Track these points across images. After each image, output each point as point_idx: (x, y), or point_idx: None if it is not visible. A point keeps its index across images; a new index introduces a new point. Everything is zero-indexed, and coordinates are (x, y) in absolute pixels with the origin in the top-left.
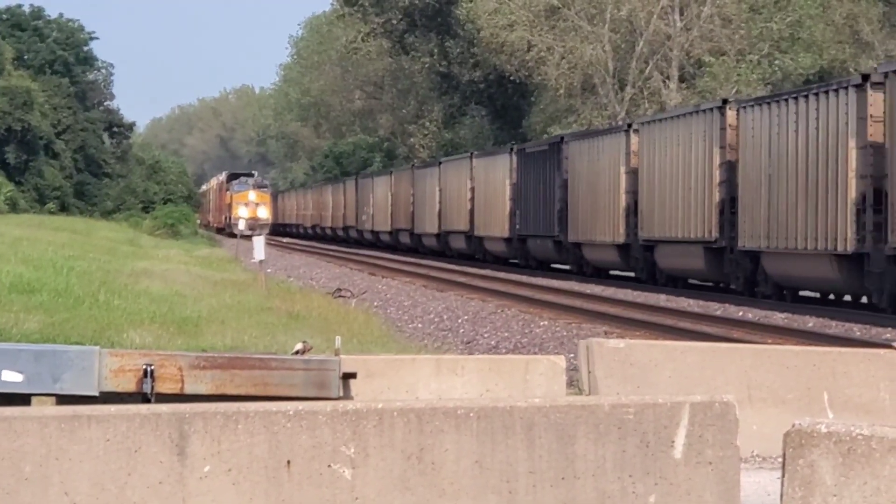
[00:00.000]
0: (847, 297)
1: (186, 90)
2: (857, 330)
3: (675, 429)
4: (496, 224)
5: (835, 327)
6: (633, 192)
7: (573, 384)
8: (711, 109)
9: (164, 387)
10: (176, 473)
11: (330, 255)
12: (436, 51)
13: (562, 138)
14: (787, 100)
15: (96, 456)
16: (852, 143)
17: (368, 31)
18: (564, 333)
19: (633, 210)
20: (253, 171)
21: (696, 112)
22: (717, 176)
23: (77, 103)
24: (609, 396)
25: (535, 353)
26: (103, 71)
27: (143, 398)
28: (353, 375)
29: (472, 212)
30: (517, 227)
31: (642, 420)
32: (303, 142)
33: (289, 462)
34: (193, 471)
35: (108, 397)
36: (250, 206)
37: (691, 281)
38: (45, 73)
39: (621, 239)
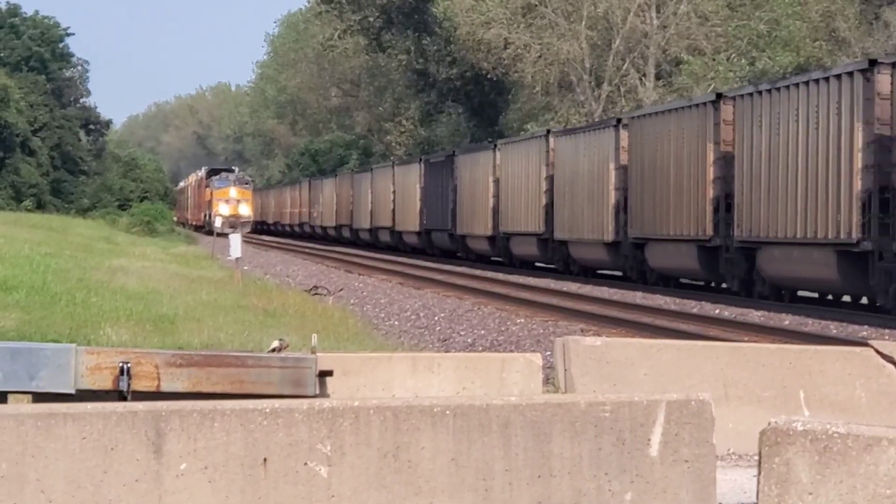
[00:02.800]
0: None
1: (163, 87)
2: (833, 328)
3: (652, 427)
4: (410, 221)
5: (811, 325)
6: (497, 197)
7: (549, 382)
8: (540, 137)
9: (140, 384)
10: (152, 471)
11: (306, 253)
12: (412, 48)
13: (454, 152)
14: (580, 132)
15: (72, 454)
16: (612, 166)
17: (345, 28)
18: (541, 331)
19: (497, 210)
20: (233, 167)
21: (532, 138)
22: (543, 185)
23: (53, 100)
24: (585, 394)
25: (512, 351)
26: (79, 67)
27: (119, 396)
28: (329, 373)
29: (394, 211)
30: (425, 222)
31: (618, 418)
32: (279, 139)
33: (265, 460)
34: (170, 469)
35: (84, 395)
36: (231, 202)
37: (537, 264)
38: (21, 70)
39: (489, 232)
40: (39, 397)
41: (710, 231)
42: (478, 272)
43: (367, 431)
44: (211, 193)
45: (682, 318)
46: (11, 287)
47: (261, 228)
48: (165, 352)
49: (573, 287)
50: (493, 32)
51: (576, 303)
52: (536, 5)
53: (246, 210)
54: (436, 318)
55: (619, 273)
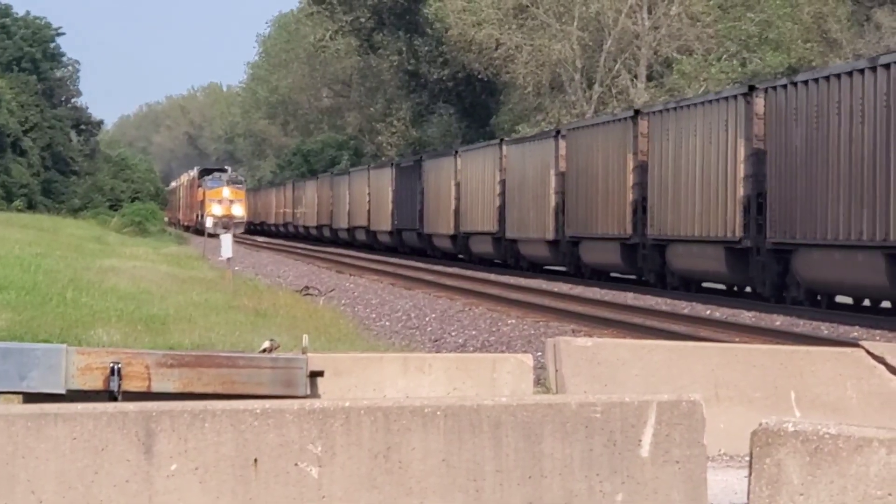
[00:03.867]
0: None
1: (154, 88)
2: (824, 329)
3: (643, 427)
4: (384, 220)
5: (802, 326)
6: (458, 199)
7: (540, 383)
8: (494, 145)
9: (131, 385)
10: (143, 472)
11: (298, 253)
12: (404, 49)
13: (421, 158)
14: (527, 142)
15: (63, 454)
16: (552, 172)
17: (336, 29)
18: (532, 332)
19: (458, 211)
20: (226, 167)
21: (487, 146)
22: (497, 189)
23: (44, 101)
24: (576, 395)
25: (503, 352)
26: (70, 68)
27: (110, 396)
28: (320, 374)
29: (369, 211)
30: (396, 222)
31: (609, 419)
32: (270, 140)
33: (256, 460)
34: (160, 469)
35: (75, 395)
36: (224, 203)
37: (495, 260)
38: (12, 70)
39: (452, 231)
40: (30, 398)
41: (629, 230)
42: (468, 273)
43: (358, 432)
44: (203, 193)
45: (673, 319)
46: (2, 287)
47: (247, 228)
48: (156, 352)
49: (564, 288)
50: (485, 33)
51: (567, 304)
52: (528, 6)
53: (239, 210)
54: (427, 319)
55: (562, 268)
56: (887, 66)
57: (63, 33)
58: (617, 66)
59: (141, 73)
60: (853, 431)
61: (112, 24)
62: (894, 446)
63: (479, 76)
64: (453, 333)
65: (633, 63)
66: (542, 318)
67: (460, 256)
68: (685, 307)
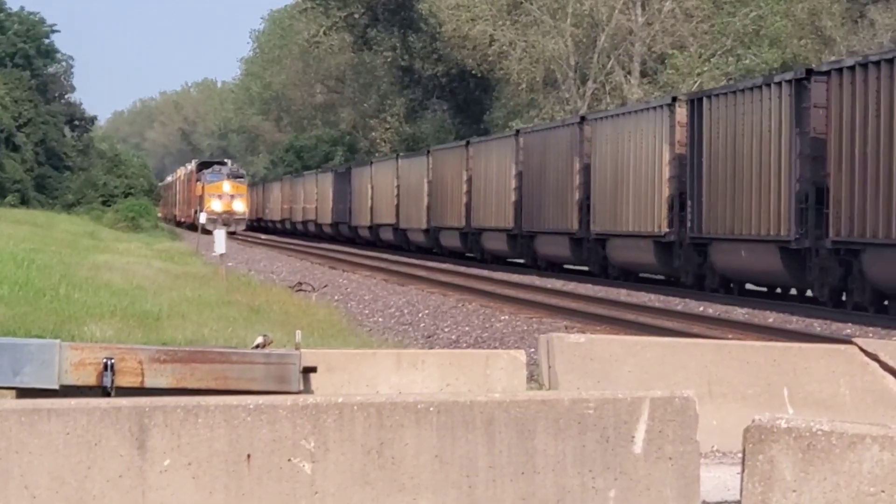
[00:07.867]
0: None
1: (148, 84)
2: (817, 325)
3: (635, 424)
4: (326, 215)
5: (795, 323)
6: (372, 199)
7: (534, 379)
8: (392, 158)
9: (124, 380)
10: (136, 467)
11: (291, 249)
12: (398, 45)
13: (349, 167)
14: (412, 157)
15: (56, 449)
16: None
17: (330, 24)
18: (525, 328)
19: (372, 208)
20: (226, 160)
21: (388, 159)
22: (394, 192)
23: (38, 96)
24: (569, 391)
25: (496, 348)
26: (64, 64)
27: (103, 392)
28: (313, 369)
29: (316, 208)
30: (335, 217)
31: (602, 415)
32: (264, 136)
33: (249, 456)
34: (153, 464)
35: (68, 391)
36: (224, 198)
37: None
38: (5, 65)
39: (369, 223)
40: (23, 393)
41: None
42: (462, 269)
43: (351, 428)
44: (202, 188)
45: (666, 316)
46: None
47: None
48: (149, 348)
49: (558, 284)
50: (479, 29)
51: (560, 300)
52: (522, 2)
53: (240, 206)
54: (420, 315)
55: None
56: None
57: (57, 30)
58: (611, 62)
59: (134, 68)
60: (846, 428)
61: (106, 20)
62: (887, 443)
63: (473, 72)
64: (446, 329)
65: (626, 59)
66: (536, 314)
67: (373, 242)
68: (678, 304)
